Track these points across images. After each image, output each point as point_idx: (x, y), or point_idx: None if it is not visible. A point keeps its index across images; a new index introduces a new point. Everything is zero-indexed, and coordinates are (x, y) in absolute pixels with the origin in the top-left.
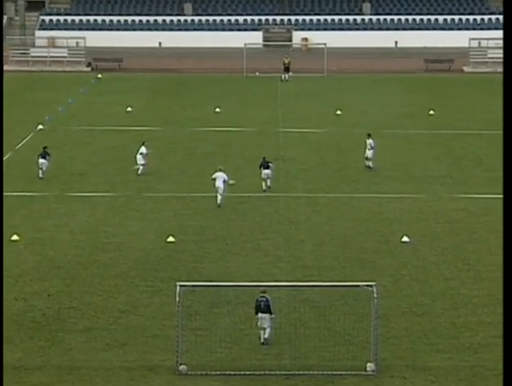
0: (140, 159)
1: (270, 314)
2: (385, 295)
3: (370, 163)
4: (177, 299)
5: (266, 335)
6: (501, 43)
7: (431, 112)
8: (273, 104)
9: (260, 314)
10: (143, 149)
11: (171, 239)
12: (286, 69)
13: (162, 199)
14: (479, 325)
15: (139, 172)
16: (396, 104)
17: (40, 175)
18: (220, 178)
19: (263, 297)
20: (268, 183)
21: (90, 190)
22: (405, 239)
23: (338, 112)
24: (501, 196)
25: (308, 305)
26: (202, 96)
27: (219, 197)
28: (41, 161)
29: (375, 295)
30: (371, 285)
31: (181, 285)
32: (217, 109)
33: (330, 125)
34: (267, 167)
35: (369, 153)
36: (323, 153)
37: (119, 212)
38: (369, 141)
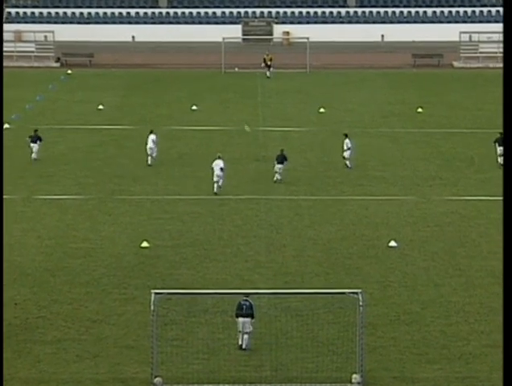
0: (153, 149)
1: (252, 318)
2: (371, 303)
3: (348, 162)
4: (152, 308)
5: (246, 341)
6: (493, 36)
7: (420, 109)
8: (253, 101)
9: (241, 319)
10: (153, 137)
11: (145, 244)
12: (268, 66)
13: (135, 201)
14: (471, 334)
15: (154, 158)
16: (382, 102)
17: (34, 157)
18: (217, 165)
19: (246, 300)
20: (277, 177)
21: (59, 193)
22: (392, 243)
23: (321, 110)
24: (494, 198)
25: (290, 314)
26: (178, 93)
27: (215, 185)
28: (32, 145)
29: (361, 303)
30: (357, 293)
31: (156, 293)
32: (194, 107)
33: (313, 123)
34: (281, 162)
35: (345, 153)
36: (306, 154)
37: (90, 216)
38: (346, 141)
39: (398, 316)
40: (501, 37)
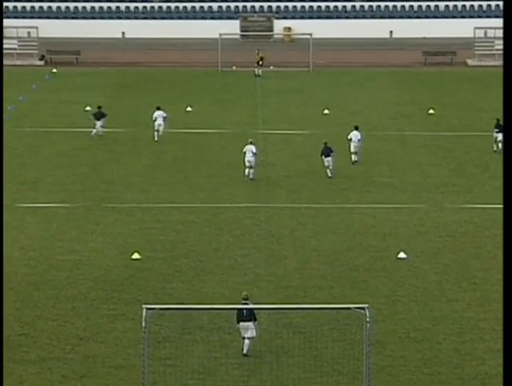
0: (162, 126)
1: (255, 321)
2: (379, 319)
3: (356, 157)
4: (143, 324)
5: (246, 347)
6: None
7: (431, 111)
8: (252, 102)
9: (241, 323)
10: (162, 113)
11: (136, 256)
12: (258, 64)
13: (126, 210)
14: (486, 352)
15: (160, 135)
16: (391, 103)
17: (95, 133)
18: (249, 151)
19: (246, 303)
20: (329, 174)
21: (44, 201)
22: (402, 255)
23: (326, 111)
24: None
25: (292, 331)
26: (171, 93)
27: (247, 171)
28: (96, 122)
29: (368, 319)
30: (363, 308)
31: (148, 308)
32: (189, 108)
33: (317, 126)
34: (328, 155)
35: (353, 146)
36: (309, 158)
37: (77, 226)
38: (355, 133)
39: (407, 333)
40: None
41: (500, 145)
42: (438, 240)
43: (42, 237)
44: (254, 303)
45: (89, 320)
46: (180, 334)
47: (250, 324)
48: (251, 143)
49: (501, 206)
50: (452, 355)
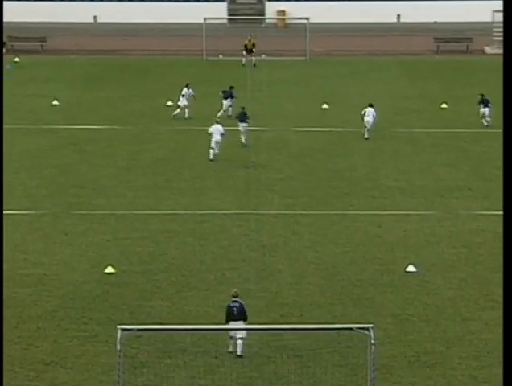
0: (183, 101)
1: (245, 320)
2: (385, 340)
3: (366, 134)
4: (118, 347)
5: (239, 348)
6: None
7: (444, 105)
8: (241, 95)
9: (232, 323)
10: (184, 91)
11: (110, 269)
12: (250, 51)
13: (98, 218)
14: None
15: (185, 116)
16: (399, 96)
17: (228, 114)
18: (216, 131)
19: (236, 301)
20: (243, 140)
21: (6, 208)
22: (411, 268)
23: (324, 106)
24: None
25: (287, 354)
26: (151, 85)
27: (213, 152)
28: (224, 102)
29: (373, 341)
30: (368, 328)
31: (123, 329)
32: (170, 103)
33: (314, 122)
34: (243, 120)
35: (367, 120)
36: (305, 159)
37: (43, 235)
38: (369, 110)
39: (417, 357)
40: None
41: (488, 119)
42: (452, 252)
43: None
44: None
45: (57, 343)
46: (160, 358)
47: (241, 324)
48: (217, 122)
49: None
50: (468, 382)
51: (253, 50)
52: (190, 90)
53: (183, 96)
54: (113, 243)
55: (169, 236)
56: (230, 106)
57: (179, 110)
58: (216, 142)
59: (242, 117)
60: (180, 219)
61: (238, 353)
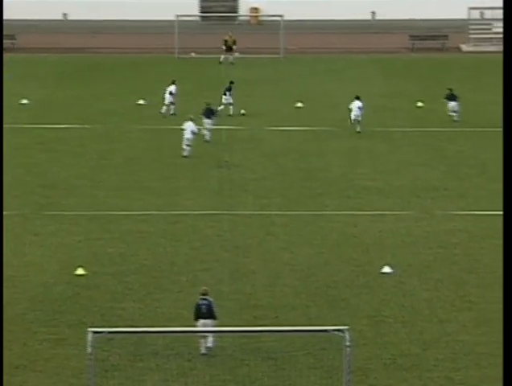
0: (170, 98)
1: (214, 319)
2: (361, 343)
3: (358, 128)
4: (89, 350)
5: (210, 344)
6: None
7: (420, 104)
8: (214, 94)
9: (201, 321)
10: (173, 88)
11: (80, 271)
12: (229, 49)
13: (69, 218)
14: (483, 380)
15: (168, 111)
16: (374, 94)
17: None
18: (188, 128)
19: (204, 299)
20: (207, 138)
21: None
22: (387, 269)
23: (299, 104)
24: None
25: (261, 357)
26: (121, 83)
27: (186, 148)
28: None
29: (348, 343)
30: (343, 330)
31: (94, 332)
32: (141, 101)
33: (289, 121)
34: (209, 117)
35: (356, 114)
36: (279, 159)
37: (12, 236)
38: (357, 103)
39: (393, 359)
40: None
41: (456, 114)
42: (428, 252)
43: None
44: (217, 325)
45: (26, 346)
46: (132, 361)
47: (209, 322)
48: (191, 120)
49: (500, 213)
50: (444, 384)
51: (234, 47)
52: (175, 87)
53: (170, 93)
54: (83, 244)
55: (141, 236)
56: (231, 104)
57: (165, 107)
58: (187, 140)
59: (208, 114)
60: (152, 219)
61: (203, 351)
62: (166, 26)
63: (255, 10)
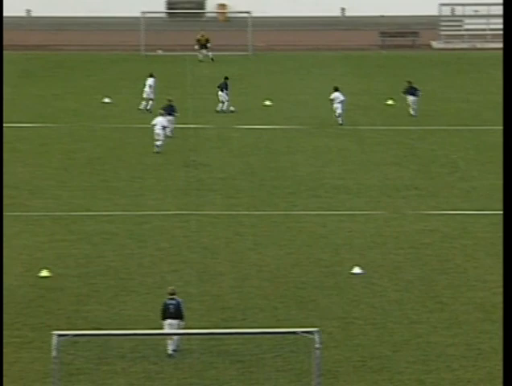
0: (149, 93)
1: (181, 319)
2: (330, 345)
3: (340, 120)
4: (54, 353)
5: (174, 347)
6: (480, 10)
7: (390, 102)
8: (181, 92)
9: (169, 321)
10: (151, 81)
11: (45, 273)
12: (204, 46)
13: (32, 219)
14: (455, 383)
15: (146, 107)
16: (344, 92)
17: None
18: (159, 123)
19: (172, 299)
20: (169, 133)
21: None
22: (357, 270)
23: (267, 102)
24: (483, 212)
25: (229, 360)
26: (85, 81)
27: (159, 144)
28: (220, 93)
29: (317, 345)
30: (312, 332)
31: (59, 335)
32: (106, 99)
33: (257, 119)
34: (170, 114)
35: (337, 109)
36: (248, 157)
37: None
38: (336, 95)
39: (364, 361)
40: (490, 10)
41: (415, 107)
42: (399, 253)
43: None
44: (184, 327)
45: None
46: (97, 364)
47: (176, 322)
48: (161, 115)
49: (472, 212)
50: None
51: (208, 45)
52: (153, 79)
53: (150, 86)
54: (48, 245)
55: (106, 237)
56: (227, 100)
57: (145, 102)
58: (158, 135)
59: (169, 110)
60: (118, 220)
61: (170, 352)
62: (132, 23)
63: (222, 6)
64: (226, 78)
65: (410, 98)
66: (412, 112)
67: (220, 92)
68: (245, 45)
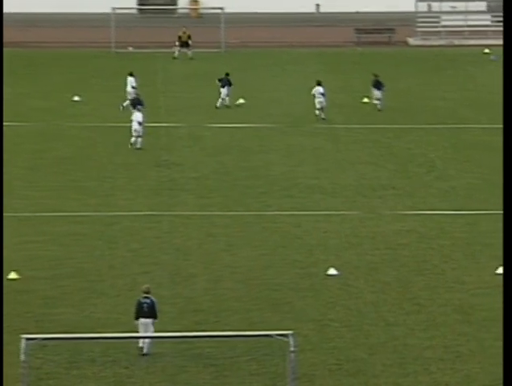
0: (132, 94)
1: (155, 319)
2: (306, 348)
3: (322, 114)
4: (22, 357)
5: (148, 346)
6: (458, 6)
7: (366, 99)
8: (152, 89)
9: (142, 320)
10: (133, 81)
11: (13, 275)
12: (185, 44)
13: None
14: None
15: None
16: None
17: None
18: (135, 119)
19: (147, 297)
20: (139, 132)
21: None
22: (332, 271)
23: (240, 100)
24: (460, 212)
25: (202, 363)
26: (55, 78)
27: (134, 139)
28: (222, 90)
29: (292, 348)
30: (287, 335)
31: (27, 339)
32: (76, 98)
33: (229, 117)
34: (135, 107)
35: (318, 103)
36: (220, 157)
37: None
38: (318, 89)
39: (339, 364)
40: (468, 6)
41: (380, 102)
42: (375, 254)
43: None
44: (156, 331)
45: None
46: (67, 369)
47: (150, 321)
48: (138, 110)
49: (449, 212)
50: None
51: (189, 42)
52: (134, 78)
53: (133, 87)
54: (16, 247)
55: (76, 239)
56: (227, 95)
57: (128, 101)
58: (136, 131)
59: (136, 103)
60: (88, 221)
61: (144, 351)
62: (102, 19)
63: (195, 2)
64: (227, 74)
65: (376, 92)
66: (378, 106)
67: (222, 89)
68: (218, 42)
